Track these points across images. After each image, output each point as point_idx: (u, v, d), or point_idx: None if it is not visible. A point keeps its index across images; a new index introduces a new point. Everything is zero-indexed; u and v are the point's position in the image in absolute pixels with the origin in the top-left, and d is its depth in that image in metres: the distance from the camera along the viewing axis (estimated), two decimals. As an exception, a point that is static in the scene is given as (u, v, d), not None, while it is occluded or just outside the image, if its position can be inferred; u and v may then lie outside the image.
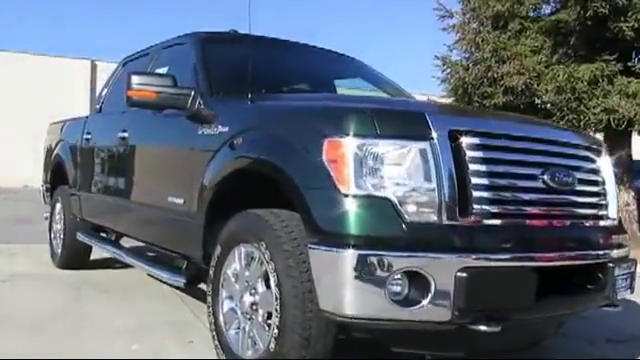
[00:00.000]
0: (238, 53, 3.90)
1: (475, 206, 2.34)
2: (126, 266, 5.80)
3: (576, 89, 7.81)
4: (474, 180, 2.35)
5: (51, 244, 5.92)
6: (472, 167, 2.36)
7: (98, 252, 5.76)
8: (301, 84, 3.94)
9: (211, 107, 3.27)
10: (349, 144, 2.31)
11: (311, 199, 2.37)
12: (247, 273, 2.74)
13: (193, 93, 3.38)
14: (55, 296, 4.49)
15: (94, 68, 27.13)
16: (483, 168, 2.38)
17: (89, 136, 4.94)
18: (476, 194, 2.35)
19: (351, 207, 2.27)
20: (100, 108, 5.09)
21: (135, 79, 3.37)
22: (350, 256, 2.22)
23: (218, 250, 2.90)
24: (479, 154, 2.39)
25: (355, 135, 2.32)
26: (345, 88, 4.42)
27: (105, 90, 5.14)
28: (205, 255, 3.14)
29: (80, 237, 5.10)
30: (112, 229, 4.60)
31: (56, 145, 5.93)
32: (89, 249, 5.60)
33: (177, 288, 4.61)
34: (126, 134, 4.11)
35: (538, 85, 7.97)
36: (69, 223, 5.44)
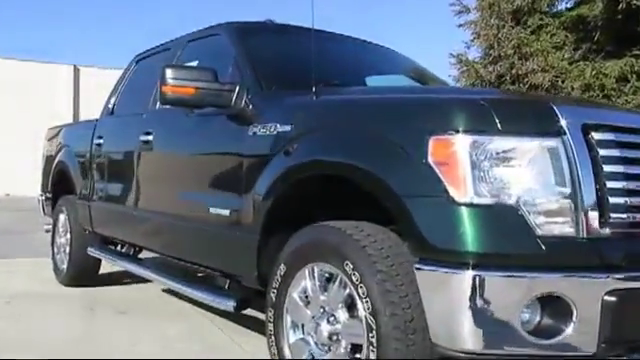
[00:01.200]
0: (282, 44, 3.52)
1: (613, 215, 1.95)
2: (136, 280, 5.36)
3: (605, 86, 7.50)
4: (610, 184, 1.97)
5: (54, 259, 5.43)
6: (607, 168, 1.98)
7: (107, 267, 5.32)
8: (353, 77, 3.52)
9: (261, 104, 2.86)
10: (463, 142, 1.92)
11: (416, 209, 1.97)
12: (323, 297, 2.32)
13: (238, 88, 2.96)
14: (69, 319, 4.03)
15: (77, 73, 26.50)
16: (620, 169, 1.99)
17: (101, 141, 4.47)
18: (613, 200, 1.96)
19: (469, 218, 1.87)
20: (112, 110, 4.63)
21: (170, 73, 2.95)
22: (470, 278, 1.82)
23: (282, 269, 2.48)
24: (615, 152, 2.00)
25: (470, 131, 1.93)
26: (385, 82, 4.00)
27: (117, 91, 4.67)
28: (260, 274, 2.72)
29: (92, 252, 4.63)
30: (132, 243, 4.13)
31: (58, 151, 5.45)
32: (98, 264, 5.14)
33: (198, 304, 4.18)
34: (150, 137, 3.66)
35: (563, 82, 7.66)
36: (77, 236, 4.97)
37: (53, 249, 5.48)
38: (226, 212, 2.90)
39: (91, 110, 23.81)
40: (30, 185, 22.46)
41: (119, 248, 5.01)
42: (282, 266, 2.48)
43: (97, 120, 4.78)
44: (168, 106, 3.60)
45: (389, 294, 2.02)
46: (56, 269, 5.33)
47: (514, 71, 8.00)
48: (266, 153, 2.66)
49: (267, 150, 2.66)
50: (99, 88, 26.58)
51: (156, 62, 4.26)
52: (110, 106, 4.65)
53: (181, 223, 3.31)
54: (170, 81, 2.95)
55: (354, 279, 2.12)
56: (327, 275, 2.32)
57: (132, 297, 4.86)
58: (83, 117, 26.16)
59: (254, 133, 2.76)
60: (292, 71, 3.18)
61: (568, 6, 8.45)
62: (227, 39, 3.34)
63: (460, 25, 8.77)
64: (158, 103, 3.80)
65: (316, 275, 2.35)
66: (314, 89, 2.62)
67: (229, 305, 2.84)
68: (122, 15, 53.90)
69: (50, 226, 5.83)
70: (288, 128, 2.57)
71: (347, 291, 2.19)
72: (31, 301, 4.57)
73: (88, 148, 4.71)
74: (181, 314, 4.23)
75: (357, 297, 2.12)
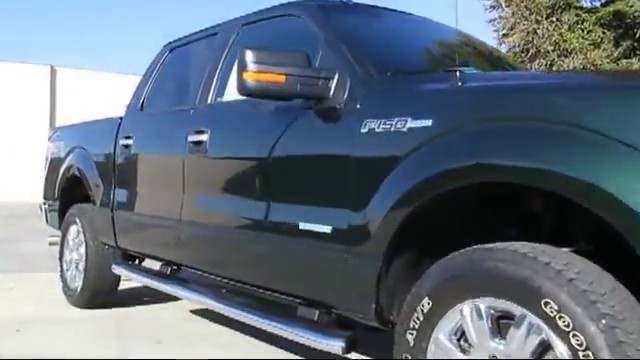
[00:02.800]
0: (376, 26, 2.98)
1: None
2: (156, 298, 4.76)
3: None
4: None
5: (63, 277, 4.77)
6: None
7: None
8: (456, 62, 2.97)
9: (376, 94, 2.30)
10: None
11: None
12: (494, 343, 1.77)
13: (337, 76, 2.40)
14: (101, 353, 3.39)
15: (54, 74, 25.53)
16: None
17: (129, 141, 3.84)
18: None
19: None
20: (142, 106, 3.99)
21: (253, 56, 2.37)
22: None
23: (425, 305, 1.92)
24: None
25: None
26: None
27: (146, 85, 4.03)
28: (378, 308, 2.16)
29: (119, 270, 4.00)
30: (174, 262, 3.50)
31: (68, 153, 4.80)
32: (117, 282, 4.51)
33: (236, 327, 3.59)
34: (204, 137, 3.06)
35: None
36: (94, 251, 4.33)
37: (62, 265, 4.82)
38: (324, 229, 2.32)
39: (69, 112, 22.95)
40: (2, 189, 21.52)
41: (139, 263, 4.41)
42: (426, 301, 1.92)
43: (121, 117, 4.14)
44: (229, 99, 3.06)
45: (623, 346, 1.49)
46: (66, 288, 4.68)
47: (555, 68, 7.56)
48: (391, 155, 2.10)
49: (392, 151, 2.10)
50: (77, 89, 25.72)
51: (199, 50, 3.67)
52: (139, 101, 4.02)
53: (252, 241, 2.72)
54: (252, 66, 2.37)
55: (560, 324, 1.58)
56: (499, 314, 1.78)
57: (161, 320, 4.25)
58: (60, 119, 25.18)
59: (370, 130, 2.19)
60: (400, 55, 2.64)
61: (603, 1, 8.04)
62: (310, 20, 2.75)
63: (491, 20, 8.32)
64: (211, 96, 3.22)
65: (483, 314, 1.80)
66: (457, 74, 2.08)
67: (336, 346, 2.27)
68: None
69: (55, 238, 5.18)
70: (428, 123, 2.01)
71: (540, 337, 1.65)
72: (47, 328, 3.93)
73: (110, 149, 4.08)
74: (229, 343, 3.64)
75: (563, 347, 1.58)
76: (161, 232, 3.49)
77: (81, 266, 4.52)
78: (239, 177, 2.89)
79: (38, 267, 6.70)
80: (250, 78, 2.37)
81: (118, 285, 4.55)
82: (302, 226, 2.43)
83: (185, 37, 3.94)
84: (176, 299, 4.61)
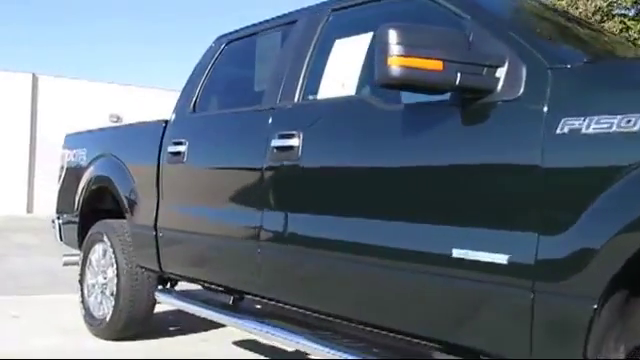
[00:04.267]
0: (521, 8, 2.49)
1: None
2: (191, 327, 4.19)
3: None
4: None
5: (84, 303, 4.15)
6: None
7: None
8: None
9: (570, 87, 1.79)
10: None
11: None
12: None
13: (508, 65, 1.90)
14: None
15: (36, 82, 24.70)
16: None
17: (181, 148, 3.27)
18: None
19: None
20: (194, 107, 3.43)
21: (399, 36, 1.86)
22: None
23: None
24: None
25: None
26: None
27: (199, 82, 3.46)
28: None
29: (164, 299, 3.43)
30: (252, 293, 2.90)
31: (92, 161, 4.21)
32: (152, 310, 3.92)
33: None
34: (294, 141, 2.51)
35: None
36: (129, 275, 3.73)
37: (83, 289, 4.20)
38: (500, 258, 1.80)
39: (52, 122, 22.15)
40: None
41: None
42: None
43: (166, 121, 3.57)
44: (327, 96, 2.54)
45: None
46: (90, 317, 4.06)
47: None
48: (611, 162, 1.60)
49: (614, 157, 1.60)
50: (60, 98, 24.90)
51: (268, 42, 3.14)
52: (189, 102, 3.44)
53: (375, 270, 2.18)
54: (399, 49, 1.86)
55: None
56: None
57: (210, 354, 3.67)
58: (42, 128, 24.30)
59: (572, 131, 1.68)
60: (571, 41, 2.15)
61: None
62: (447, 1, 2.24)
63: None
64: (298, 94, 2.68)
65: None
66: None
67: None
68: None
69: (72, 258, 4.56)
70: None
71: None
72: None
73: (153, 157, 3.50)
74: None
75: None
76: (230, 256, 2.92)
77: (109, 291, 3.92)
78: (351, 189, 2.34)
79: (36, 288, 6.07)
80: (396, 64, 1.86)
81: (152, 313, 3.95)
82: (456, 253, 1.91)
83: (244, 28, 3.40)
84: (216, 327, 4.04)
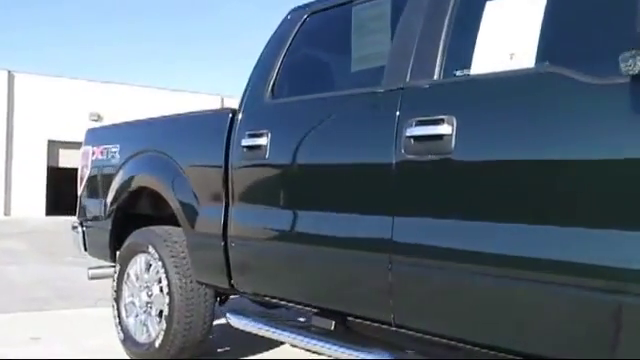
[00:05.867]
0: None
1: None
2: (246, 348, 3.64)
3: None
4: None
5: (122, 325, 3.55)
6: None
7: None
8: None
9: None
10: None
11: None
12: None
13: None
14: None
15: (12, 79, 23.75)
16: None
17: (260, 141, 2.68)
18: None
19: None
20: (272, 91, 2.85)
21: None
22: None
23: None
24: None
25: None
26: None
27: (276, 62, 2.86)
28: None
29: (239, 323, 2.85)
30: (376, 320, 2.32)
31: (128, 160, 3.61)
32: (208, 334, 3.33)
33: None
34: (443, 128, 1.97)
35: None
36: (185, 293, 3.15)
37: (119, 309, 3.59)
38: None
39: (29, 120, 21.35)
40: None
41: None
42: None
43: (232, 110, 2.99)
44: (484, 71, 2.00)
45: None
46: (131, 342, 3.46)
47: None
48: None
49: None
50: (39, 96, 23.97)
51: (374, 11, 2.59)
52: (266, 85, 2.86)
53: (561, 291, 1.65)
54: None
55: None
56: None
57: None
58: (19, 127, 23.31)
59: None
60: None
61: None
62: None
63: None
64: (438, 70, 2.14)
65: None
66: None
67: None
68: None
69: (100, 271, 3.95)
70: None
71: None
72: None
73: (219, 154, 2.92)
74: None
75: None
76: (341, 272, 2.36)
77: (155, 311, 3.33)
78: (539, 190, 1.79)
79: (45, 301, 5.46)
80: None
81: (209, 335, 3.37)
82: None
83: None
84: (272, 344, 3.51)
